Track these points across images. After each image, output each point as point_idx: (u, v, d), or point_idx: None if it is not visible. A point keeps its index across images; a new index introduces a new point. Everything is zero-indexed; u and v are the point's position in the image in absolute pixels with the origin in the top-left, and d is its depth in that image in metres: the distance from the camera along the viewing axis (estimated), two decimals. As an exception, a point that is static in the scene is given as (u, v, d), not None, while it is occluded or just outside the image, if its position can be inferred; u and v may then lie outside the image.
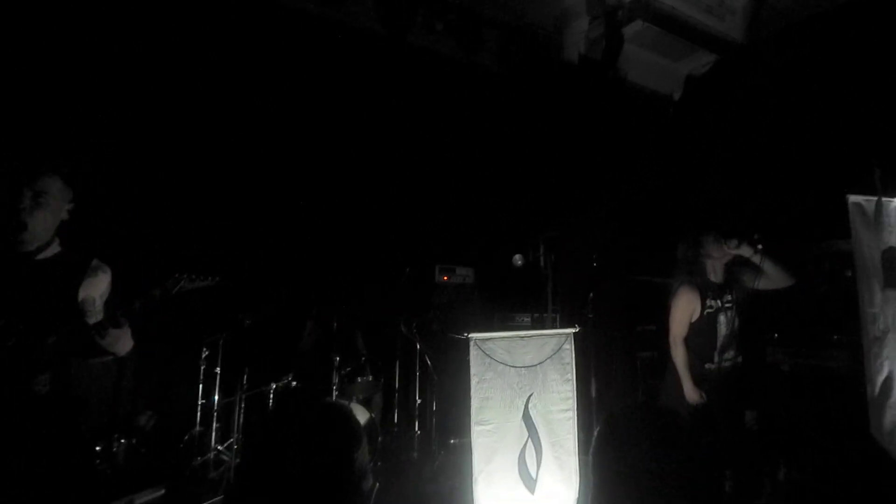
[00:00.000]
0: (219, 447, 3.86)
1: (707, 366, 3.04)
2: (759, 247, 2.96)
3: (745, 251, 2.98)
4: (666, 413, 1.06)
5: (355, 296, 4.53)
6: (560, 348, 2.88)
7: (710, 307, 3.05)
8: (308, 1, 4.01)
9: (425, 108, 4.87)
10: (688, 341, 3.06)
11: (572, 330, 2.96)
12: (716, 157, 5.40)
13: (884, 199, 3.24)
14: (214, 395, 3.94)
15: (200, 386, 3.98)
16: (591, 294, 3.33)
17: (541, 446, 2.74)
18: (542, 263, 4.66)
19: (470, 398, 2.72)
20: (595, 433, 1.06)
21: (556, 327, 3.99)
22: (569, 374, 2.89)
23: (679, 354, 3.04)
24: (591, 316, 3.24)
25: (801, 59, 4.74)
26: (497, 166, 5.25)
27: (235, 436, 3.83)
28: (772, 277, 3.01)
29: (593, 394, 2.97)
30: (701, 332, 3.05)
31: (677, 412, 1.12)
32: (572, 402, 2.87)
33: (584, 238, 4.83)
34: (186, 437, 3.89)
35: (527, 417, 2.75)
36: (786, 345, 4.07)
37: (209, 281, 2.33)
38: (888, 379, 3.06)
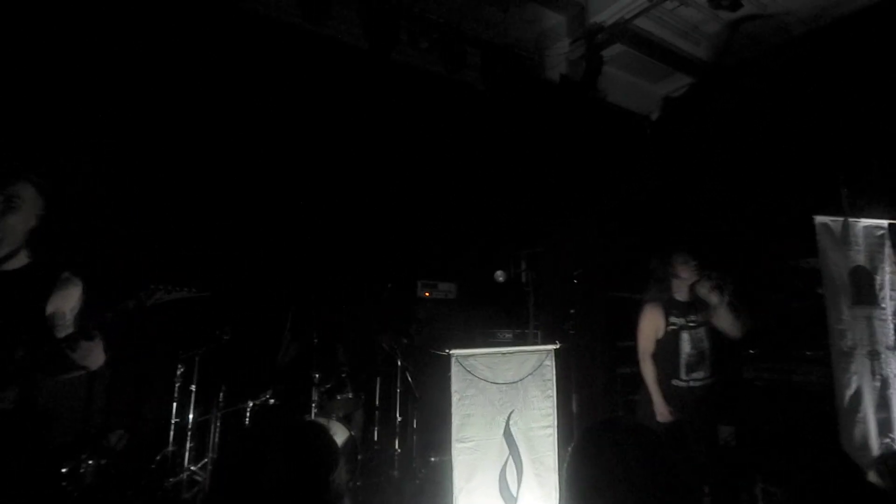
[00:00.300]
0: (192, 467, 3.74)
1: (674, 382, 3.10)
2: (726, 297, 3.07)
3: (713, 298, 3.08)
4: (641, 428, 1.06)
5: (337, 310, 4.49)
6: (541, 364, 2.89)
7: (673, 324, 3.13)
8: (293, 15, 4.03)
9: (410, 123, 4.92)
10: (655, 358, 3.14)
11: (553, 346, 2.97)
12: (691, 178, 5.54)
13: (850, 219, 3.38)
14: (189, 413, 3.83)
15: (174, 403, 3.86)
16: (573, 310, 3.36)
17: (521, 463, 2.73)
18: (523, 279, 4.69)
19: (451, 415, 2.69)
20: (570, 448, 1.06)
21: (537, 343, 4.00)
22: (550, 391, 2.90)
23: (647, 370, 3.14)
24: (572, 332, 3.26)
25: (772, 83, 4.92)
26: (480, 182, 5.29)
27: (210, 456, 3.72)
28: (724, 321, 3.11)
29: (574, 410, 2.97)
30: (665, 349, 3.14)
31: (653, 427, 1.13)
32: (553, 419, 2.87)
33: (566, 254, 4.88)
34: (159, 457, 3.75)
35: (508, 434, 2.74)
36: (761, 360, 4.14)
37: (186, 292, 2.29)
38: (856, 393, 3.15)
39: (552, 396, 2.89)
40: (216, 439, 3.76)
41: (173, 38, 3.79)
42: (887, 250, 3.29)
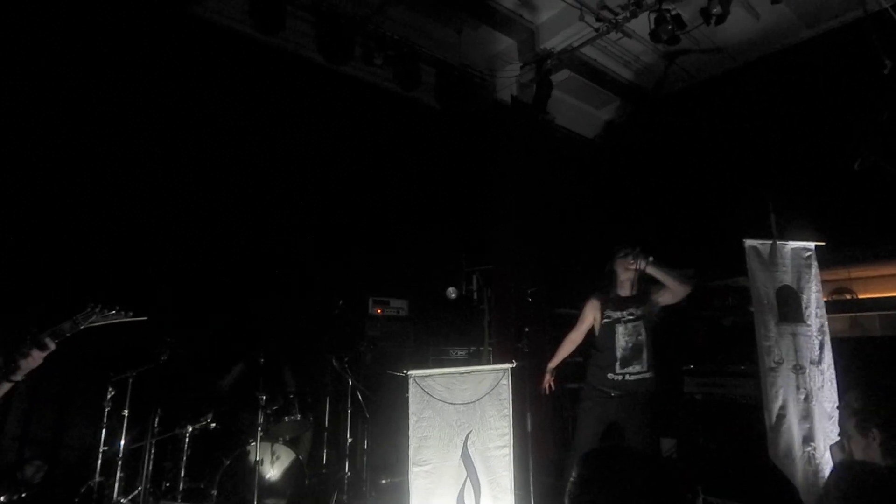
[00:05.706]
0: (122, 500, 3.45)
1: (609, 375, 3.22)
2: (650, 258, 3.22)
3: (641, 264, 3.22)
4: (643, 454, 1.06)
5: (284, 328, 4.32)
6: (498, 384, 2.90)
7: (609, 317, 3.30)
8: (245, 24, 3.91)
9: (364, 139, 4.87)
10: (594, 349, 3.36)
11: (510, 365, 2.99)
12: (631, 200, 5.82)
13: (778, 242, 3.65)
14: (120, 440, 3.53)
15: (103, 429, 3.55)
16: (527, 328, 3.42)
17: (479, 485, 2.71)
18: (475, 297, 4.71)
19: (407, 437, 2.63)
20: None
21: (490, 362, 4.02)
22: (506, 410, 2.91)
23: (563, 346, 3.46)
24: (526, 350, 3.30)
25: (706, 114, 5.29)
26: (432, 199, 5.31)
27: (142, 486, 3.45)
28: (670, 288, 3.23)
29: (529, 428, 3.00)
30: (602, 342, 3.30)
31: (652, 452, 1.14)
32: (509, 438, 2.89)
33: (516, 272, 4.96)
34: (83, 489, 3.44)
35: (465, 456, 2.71)
36: (699, 375, 4.36)
37: (124, 315, 2.14)
38: (783, 407, 3.37)
39: (508, 416, 2.90)
40: (150, 468, 3.49)
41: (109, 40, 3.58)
42: (813, 271, 3.56)
